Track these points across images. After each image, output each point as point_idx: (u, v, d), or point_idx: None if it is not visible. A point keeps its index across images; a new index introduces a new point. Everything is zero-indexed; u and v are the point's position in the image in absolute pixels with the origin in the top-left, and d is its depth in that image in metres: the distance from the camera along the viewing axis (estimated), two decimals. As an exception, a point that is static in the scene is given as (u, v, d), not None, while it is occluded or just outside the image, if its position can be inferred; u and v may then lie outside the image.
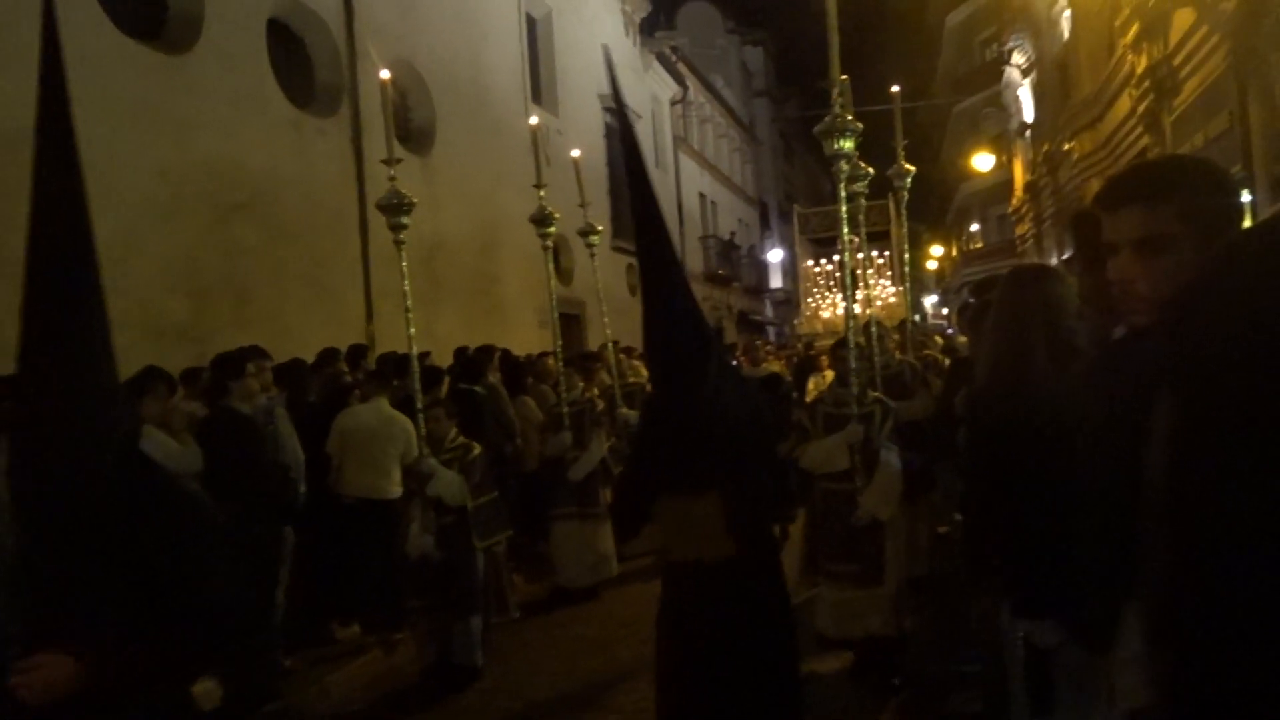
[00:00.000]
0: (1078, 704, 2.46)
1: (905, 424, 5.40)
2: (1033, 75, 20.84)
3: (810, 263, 24.39)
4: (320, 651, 6.19)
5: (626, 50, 22.07)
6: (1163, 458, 1.45)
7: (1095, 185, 10.37)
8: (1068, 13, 17.03)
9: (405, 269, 5.58)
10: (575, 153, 7.81)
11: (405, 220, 5.45)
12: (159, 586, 1.89)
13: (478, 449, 5.78)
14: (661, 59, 24.47)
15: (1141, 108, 12.06)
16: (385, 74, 5.60)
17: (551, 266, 7.51)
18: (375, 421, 6.42)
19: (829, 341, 9.58)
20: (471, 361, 8.37)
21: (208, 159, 8.63)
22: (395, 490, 6.30)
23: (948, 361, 7.65)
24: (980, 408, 2.83)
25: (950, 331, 17.39)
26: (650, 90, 24.08)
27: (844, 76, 4.67)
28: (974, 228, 34.03)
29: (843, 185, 5.01)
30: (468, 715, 5.28)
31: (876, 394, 5.27)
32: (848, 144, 4.68)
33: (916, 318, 16.69)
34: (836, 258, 18.99)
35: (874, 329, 6.11)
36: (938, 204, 39.74)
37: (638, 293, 3.27)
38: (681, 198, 26.02)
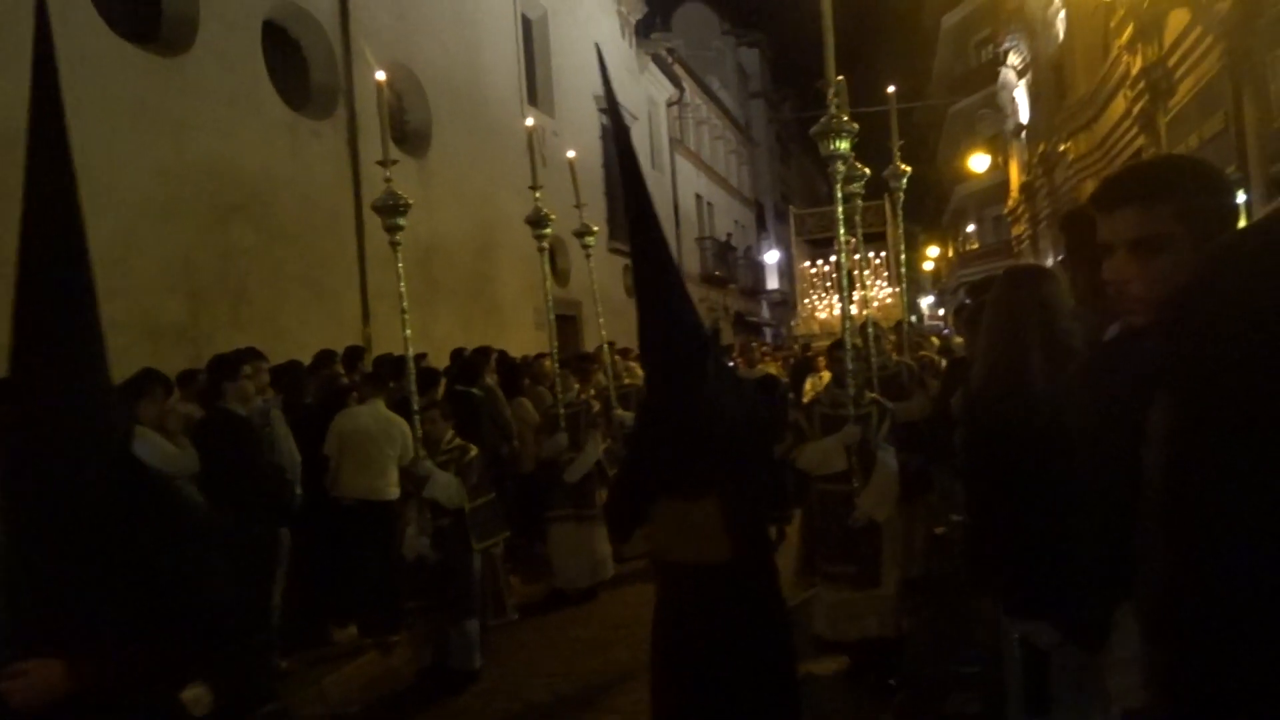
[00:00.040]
0: (1075, 704, 2.47)
1: (902, 425, 5.40)
2: (1028, 76, 20.88)
3: (807, 264, 24.38)
4: (317, 653, 6.17)
5: (622, 52, 22.09)
6: (1160, 457, 1.45)
7: (1090, 186, 10.39)
8: (1063, 14, 17.05)
9: (401, 270, 5.57)
10: (571, 154, 7.81)
11: (401, 221, 5.45)
12: (151, 590, 1.88)
13: (474, 451, 5.77)
14: (657, 60, 24.48)
15: (1137, 108, 12.09)
16: (380, 75, 5.59)
17: (548, 268, 7.51)
18: (373, 423, 6.42)
19: (826, 342, 9.58)
20: (468, 363, 8.36)
21: (204, 160, 8.63)
22: (393, 492, 6.29)
23: (944, 362, 7.66)
24: (977, 409, 2.83)
25: (947, 332, 17.41)
26: (646, 92, 24.09)
27: (840, 77, 4.67)
28: (970, 229, 34.06)
29: (839, 186, 5.01)
30: (465, 717, 5.27)
31: (873, 395, 5.27)
32: (844, 145, 4.68)
33: (913, 319, 16.72)
34: (833, 258, 19.03)
35: (871, 330, 6.12)
36: (934, 205, 39.77)
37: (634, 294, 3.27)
38: (678, 199, 26.03)
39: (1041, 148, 19.20)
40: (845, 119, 4.68)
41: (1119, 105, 13.20)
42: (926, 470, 6.17)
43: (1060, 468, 1.94)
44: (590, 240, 7.86)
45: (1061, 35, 17.43)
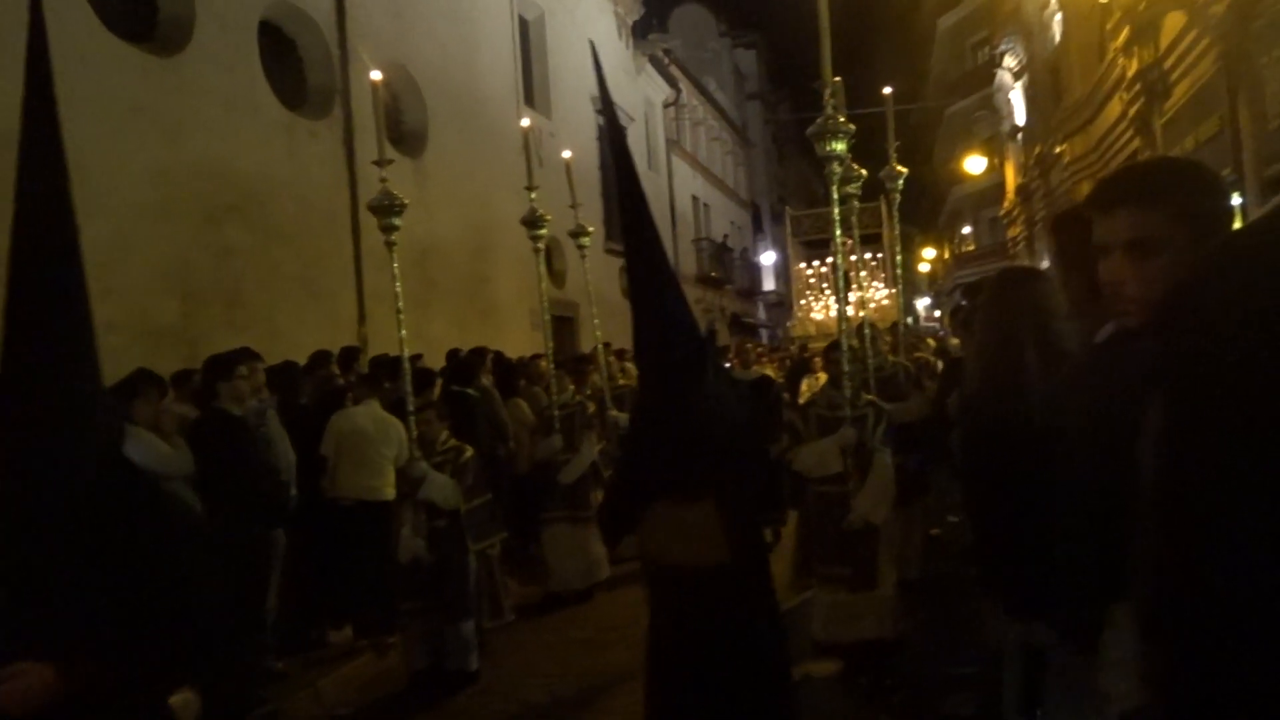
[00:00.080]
0: (1070, 705, 2.47)
1: (898, 426, 5.40)
2: (1024, 78, 20.93)
3: (803, 265, 24.35)
4: (313, 654, 6.16)
5: (619, 53, 22.09)
6: (1156, 457, 1.45)
7: (1086, 188, 10.39)
8: (1059, 16, 17.09)
9: (397, 271, 5.56)
10: (567, 154, 7.80)
11: (397, 222, 5.44)
12: (142, 593, 1.86)
13: (470, 452, 5.76)
14: (654, 62, 24.49)
15: (1132, 111, 12.11)
16: (376, 75, 5.59)
17: (544, 268, 7.50)
18: (370, 423, 6.41)
19: (822, 344, 9.58)
20: (464, 364, 8.35)
21: (199, 160, 8.61)
22: (390, 492, 6.27)
23: (940, 364, 7.67)
24: (973, 410, 2.84)
25: (943, 334, 17.44)
26: (643, 93, 24.10)
27: (836, 79, 4.67)
28: (966, 230, 34.13)
29: (835, 187, 5.01)
30: (462, 718, 5.26)
31: (870, 396, 5.28)
32: (840, 146, 4.68)
33: (909, 320, 16.72)
34: (829, 260, 19.01)
35: (867, 331, 6.12)
36: (930, 206, 39.82)
37: (631, 294, 3.26)
38: (674, 200, 26.03)
39: (1037, 150, 19.25)
40: (842, 120, 4.68)
41: (1115, 107, 13.23)
42: (923, 472, 6.18)
43: (1055, 468, 1.94)
44: (586, 241, 7.84)
45: (1057, 37, 17.48)
